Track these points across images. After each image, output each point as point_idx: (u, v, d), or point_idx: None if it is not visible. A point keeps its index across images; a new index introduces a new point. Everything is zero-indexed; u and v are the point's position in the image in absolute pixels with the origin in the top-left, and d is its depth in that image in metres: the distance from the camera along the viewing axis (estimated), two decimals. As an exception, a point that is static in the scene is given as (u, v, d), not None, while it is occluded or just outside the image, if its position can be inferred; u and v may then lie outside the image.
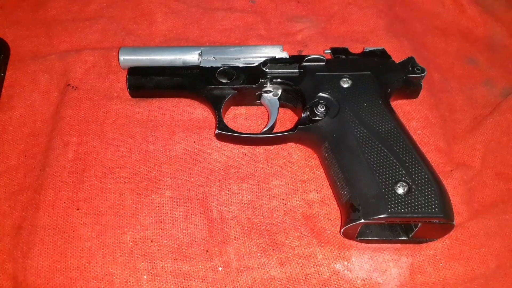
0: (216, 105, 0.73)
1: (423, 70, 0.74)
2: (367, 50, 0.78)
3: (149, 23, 0.93)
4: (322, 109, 0.68)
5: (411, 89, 0.76)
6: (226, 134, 0.72)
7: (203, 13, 0.95)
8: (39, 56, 0.87)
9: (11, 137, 0.77)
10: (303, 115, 0.70)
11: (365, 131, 0.65)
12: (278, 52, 0.77)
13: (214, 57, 0.77)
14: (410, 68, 0.74)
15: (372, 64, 0.74)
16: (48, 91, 0.82)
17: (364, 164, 0.62)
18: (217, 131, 0.71)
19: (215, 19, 0.94)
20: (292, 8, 0.96)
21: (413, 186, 0.59)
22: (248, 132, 0.76)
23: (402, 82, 0.74)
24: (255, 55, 0.77)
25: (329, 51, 0.79)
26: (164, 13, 0.94)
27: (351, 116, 0.67)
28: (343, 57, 0.77)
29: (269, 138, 0.73)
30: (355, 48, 0.80)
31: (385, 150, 0.62)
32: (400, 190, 0.59)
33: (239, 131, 0.73)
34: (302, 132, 0.70)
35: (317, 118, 0.69)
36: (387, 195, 0.59)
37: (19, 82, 0.84)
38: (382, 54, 0.77)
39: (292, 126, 0.71)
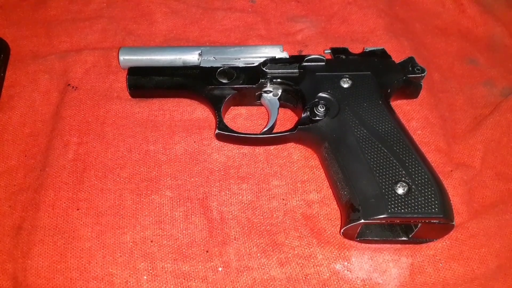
0: (216, 105, 0.73)
1: (423, 70, 0.74)
2: (367, 50, 0.78)
3: (149, 23, 0.93)
4: (322, 109, 0.68)
5: (411, 89, 0.76)
6: (226, 134, 0.72)
7: (203, 13, 0.95)
8: (39, 56, 0.87)
9: (11, 137, 0.77)
10: (303, 115, 0.70)
11: (365, 131, 0.65)
12: (278, 52, 0.77)
13: (214, 57, 0.77)
14: (410, 68, 0.74)
15: (372, 64, 0.74)
16: (48, 91, 0.82)
17: (364, 164, 0.62)
18: (217, 131, 0.71)
19: (215, 19, 0.94)
20: (292, 8, 0.96)
21: (413, 186, 0.59)
22: (248, 132, 0.76)
23: (402, 82, 0.74)
24: (255, 55, 0.77)
25: (329, 51, 0.79)
26: (164, 13, 0.94)
27: (351, 116, 0.67)
28: (343, 57, 0.77)
29: (269, 138, 0.73)
30: (355, 48, 0.80)
31: (385, 150, 0.62)
32: (400, 190, 0.59)
33: (239, 131, 0.73)
34: (302, 132, 0.70)
35: (317, 118, 0.68)
36: (387, 195, 0.59)
37: (19, 82, 0.84)
38: (382, 54, 0.77)
39: (292, 126, 0.71)
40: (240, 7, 0.96)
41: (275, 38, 0.91)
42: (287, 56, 0.77)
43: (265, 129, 0.73)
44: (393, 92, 0.73)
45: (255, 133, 0.76)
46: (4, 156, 0.75)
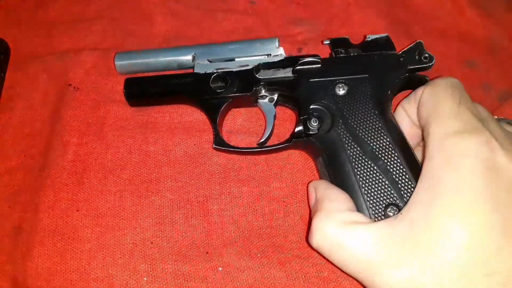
0: (212, 116, 0.72)
1: (431, 59, 0.67)
2: (370, 38, 0.73)
3: (149, 24, 0.93)
4: (315, 124, 0.66)
5: (415, 86, 0.68)
6: (223, 149, 0.71)
7: (203, 14, 0.95)
8: (39, 57, 0.87)
9: (11, 138, 0.77)
10: (297, 129, 0.68)
11: (358, 148, 0.62)
12: (274, 48, 0.75)
13: (208, 60, 0.75)
14: (416, 57, 0.69)
15: (371, 64, 0.70)
16: (48, 92, 0.82)
17: (354, 185, 0.60)
18: (214, 146, 0.71)
19: (215, 20, 0.94)
20: (293, 10, 0.96)
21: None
22: (245, 147, 0.74)
23: (404, 80, 0.70)
24: (250, 54, 0.75)
25: (328, 42, 0.76)
26: (164, 15, 0.94)
27: (344, 132, 0.64)
28: (342, 51, 0.73)
29: (266, 151, 0.72)
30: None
31: (378, 171, 0.60)
32: (391, 215, 0.57)
33: (235, 146, 0.72)
34: (298, 144, 0.69)
35: (311, 132, 0.67)
36: (376, 219, 0.57)
37: (19, 82, 0.83)
38: (385, 43, 0.73)
39: (292, 126, 0.71)
40: (240, 8, 0.96)
41: (275, 39, 0.91)
42: (283, 53, 0.75)
43: (262, 140, 0.72)
44: (394, 93, 0.70)
45: (251, 147, 0.74)
46: (3, 156, 0.75)
